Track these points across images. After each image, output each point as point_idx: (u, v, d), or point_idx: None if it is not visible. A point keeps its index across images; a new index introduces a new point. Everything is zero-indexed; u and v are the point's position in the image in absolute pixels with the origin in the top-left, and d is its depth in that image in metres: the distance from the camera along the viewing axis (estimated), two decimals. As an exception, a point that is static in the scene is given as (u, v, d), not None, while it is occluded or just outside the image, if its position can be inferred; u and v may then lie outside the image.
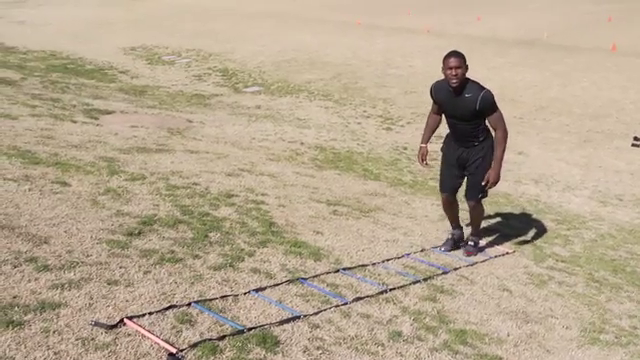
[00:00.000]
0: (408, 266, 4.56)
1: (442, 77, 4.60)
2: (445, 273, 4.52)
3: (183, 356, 2.75)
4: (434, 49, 19.67)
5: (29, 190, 4.54)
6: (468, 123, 4.65)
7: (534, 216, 6.91)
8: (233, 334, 3.01)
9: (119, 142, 6.92)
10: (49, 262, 3.40)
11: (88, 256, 3.60)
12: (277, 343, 3.02)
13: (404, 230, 5.45)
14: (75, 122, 7.78)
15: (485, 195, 4.92)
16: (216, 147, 7.81)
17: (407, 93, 14.59)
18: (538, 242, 5.84)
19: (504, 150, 4.66)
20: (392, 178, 7.99)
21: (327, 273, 4.07)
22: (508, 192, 8.14)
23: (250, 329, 3.09)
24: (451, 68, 4.46)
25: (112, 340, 2.78)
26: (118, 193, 4.87)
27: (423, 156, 4.98)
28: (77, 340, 2.73)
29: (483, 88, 4.51)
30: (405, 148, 10.18)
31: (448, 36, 21.98)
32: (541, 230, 6.32)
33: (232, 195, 5.43)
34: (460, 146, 4.82)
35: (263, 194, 5.68)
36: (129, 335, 2.85)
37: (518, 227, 6.26)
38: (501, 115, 4.61)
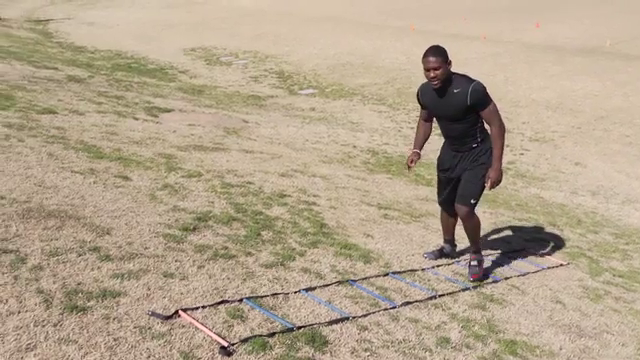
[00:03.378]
0: (458, 273, 4.52)
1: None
2: (495, 282, 4.46)
3: (234, 350, 2.83)
4: (490, 56, 19.36)
5: (94, 183, 4.75)
6: (462, 122, 4.15)
7: (591, 228, 6.72)
8: (283, 332, 3.07)
9: (177, 140, 7.14)
10: (111, 252, 3.56)
11: (146, 248, 3.74)
12: (326, 343, 3.07)
13: (455, 237, 5.40)
14: (137, 119, 8.07)
15: (477, 200, 4.30)
16: (270, 147, 7.95)
17: (462, 99, 14.40)
18: (594, 255, 5.68)
19: (503, 146, 4.15)
20: (444, 185, 7.92)
21: (376, 276, 4.09)
22: (563, 203, 7.95)
23: (299, 327, 3.14)
24: (429, 70, 4.01)
25: (167, 330, 2.88)
26: (175, 189, 5.03)
27: (412, 161, 4.44)
28: (135, 328, 2.84)
29: (472, 80, 4.05)
30: (458, 155, 10.06)
31: (505, 43, 21.58)
32: (598, 243, 6.14)
33: (285, 195, 5.52)
34: (458, 152, 4.31)
35: (315, 195, 5.75)
36: (183, 327, 2.95)
37: (573, 239, 6.10)
38: (495, 108, 4.10)
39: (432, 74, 4.00)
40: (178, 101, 11.15)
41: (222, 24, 26.39)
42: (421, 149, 4.51)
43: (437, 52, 4.01)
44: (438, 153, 4.56)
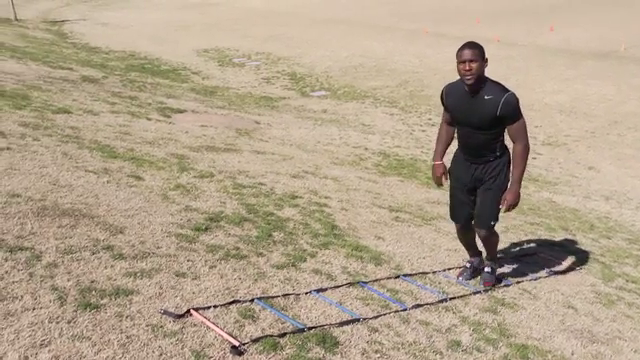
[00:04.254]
0: (469, 277, 4.51)
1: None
2: (507, 286, 4.45)
3: (245, 350, 2.84)
4: (503, 59, 19.28)
5: (107, 182, 4.80)
6: (485, 133, 3.87)
7: (604, 233, 6.67)
8: (294, 332, 3.08)
9: (189, 140, 7.18)
10: (124, 251, 3.59)
11: (158, 248, 3.76)
12: (336, 344, 3.07)
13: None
14: (150, 120, 8.13)
15: (497, 220, 4.12)
16: (282, 149, 7.97)
17: (474, 102, 14.36)
18: (607, 261, 5.64)
19: (524, 167, 3.89)
20: (456, 188, 7.90)
21: (387, 278, 4.09)
22: (576, 208, 7.90)
23: (310, 328, 3.15)
24: (464, 62, 3.69)
25: (179, 329, 2.90)
26: (187, 189, 5.06)
27: (441, 175, 4.18)
28: (147, 326, 2.87)
29: (507, 90, 3.75)
30: (470, 158, 10.03)
31: (519, 46, 21.49)
32: (611, 248, 6.09)
33: (296, 196, 5.53)
34: (473, 163, 4.03)
35: (326, 197, 5.76)
36: (195, 325, 2.97)
37: (586, 244, 6.06)
38: (524, 125, 3.82)
39: (467, 67, 3.68)
40: (191, 102, 11.21)
41: (235, 25, 26.51)
42: (442, 158, 4.22)
43: (474, 45, 3.74)
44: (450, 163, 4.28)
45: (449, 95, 3.98)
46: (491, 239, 4.25)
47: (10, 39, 18.00)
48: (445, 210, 6.34)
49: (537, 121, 13.00)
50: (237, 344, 2.85)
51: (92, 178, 4.82)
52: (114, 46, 20.17)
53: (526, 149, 3.85)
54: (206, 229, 4.24)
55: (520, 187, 3.94)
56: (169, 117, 8.74)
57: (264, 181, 5.85)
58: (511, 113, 3.75)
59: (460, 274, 4.43)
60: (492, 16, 29.67)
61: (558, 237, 6.13)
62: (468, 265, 4.48)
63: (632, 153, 11.19)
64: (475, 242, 4.48)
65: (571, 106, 14.35)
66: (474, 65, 3.68)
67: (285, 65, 18.82)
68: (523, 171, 3.90)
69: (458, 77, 3.84)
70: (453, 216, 4.33)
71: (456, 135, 4.15)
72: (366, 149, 9.38)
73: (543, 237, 6.03)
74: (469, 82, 3.73)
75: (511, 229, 6.10)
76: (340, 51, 20.71)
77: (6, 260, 3.17)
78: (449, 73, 17.53)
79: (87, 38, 21.91)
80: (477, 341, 3.46)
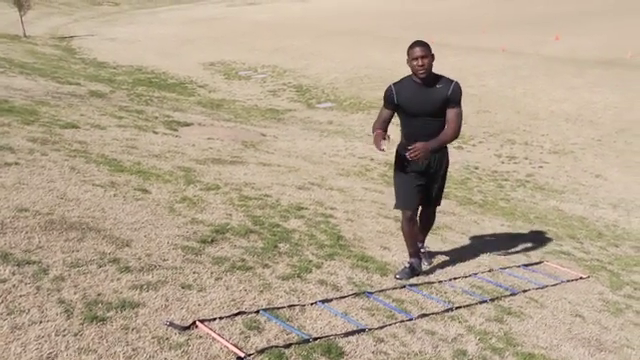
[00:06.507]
0: (475, 285, 4.50)
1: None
2: (513, 295, 4.43)
3: (251, 361, 2.85)
4: (509, 68, 19.30)
5: (114, 196, 4.84)
6: (439, 119, 4.14)
7: (611, 241, 6.64)
8: (299, 343, 3.08)
9: (196, 153, 7.23)
10: (130, 264, 3.61)
11: (165, 260, 3.79)
12: (342, 354, 3.07)
13: (472, 249, 5.38)
14: (156, 133, 8.19)
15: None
16: (288, 161, 8.00)
17: (479, 112, 14.37)
18: (615, 269, 5.61)
19: (447, 142, 4.17)
20: (462, 197, 7.90)
21: (393, 288, 4.09)
22: (583, 216, 7.87)
23: (316, 339, 3.15)
24: (417, 58, 4.06)
25: (185, 341, 2.92)
26: (193, 202, 5.09)
27: (383, 138, 4.07)
28: (153, 338, 2.88)
29: (453, 80, 4.19)
30: (476, 167, 10.03)
31: (525, 55, 21.50)
32: (619, 256, 6.06)
33: (302, 208, 5.55)
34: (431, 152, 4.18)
35: (332, 208, 5.78)
36: (200, 337, 2.98)
37: (593, 252, 6.04)
38: (462, 114, 4.15)
39: (420, 62, 4.06)
40: (197, 115, 11.30)
41: (241, 39, 26.72)
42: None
43: (424, 43, 4.14)
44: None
45: (400, 93, 4.22)
46: (434, 215, 4.66)
47: (19, 55, 18.23)
48: (450, 219, 6.35)
49: (543, 129, 12.98)
50: (243, 355, 2.86)
51: (99, 192, 4.86)
52: (121, 61, 20.39)
53: (457, 133, 4.20)
54: (212, 241, 4.26)
55: (434, 148, 4.10)
56: (176, 130, 8.80)
57: (270, 193, 5.88)
58: (457, 97, 4.13)
59: (399, 273, 4.36)
60: (497, 26, 29.73)
61: (565, 245, 6.11)
62: (408, 265, 4.43)
63: (639, 160, 11.14)
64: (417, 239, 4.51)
65: (577, 114, 14.32)
66: (426, 60, 4.08)
67: (291, 77, 18.93)
68: (444, 142, 4.19)
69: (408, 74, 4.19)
70: (405, 203, 4.33)
71: (406, 131, 4.28)
72: (372, 160, 9.40)
73: (550, 245, 6.01)
74: (422, 76, 4.09)
75: (517, 238, 6.09)
76: (346, 62, 20.81)
77: (14, 274, 3.20)
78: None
79: (95, 53, 22.17)
80: (483, 350, 3.45)
